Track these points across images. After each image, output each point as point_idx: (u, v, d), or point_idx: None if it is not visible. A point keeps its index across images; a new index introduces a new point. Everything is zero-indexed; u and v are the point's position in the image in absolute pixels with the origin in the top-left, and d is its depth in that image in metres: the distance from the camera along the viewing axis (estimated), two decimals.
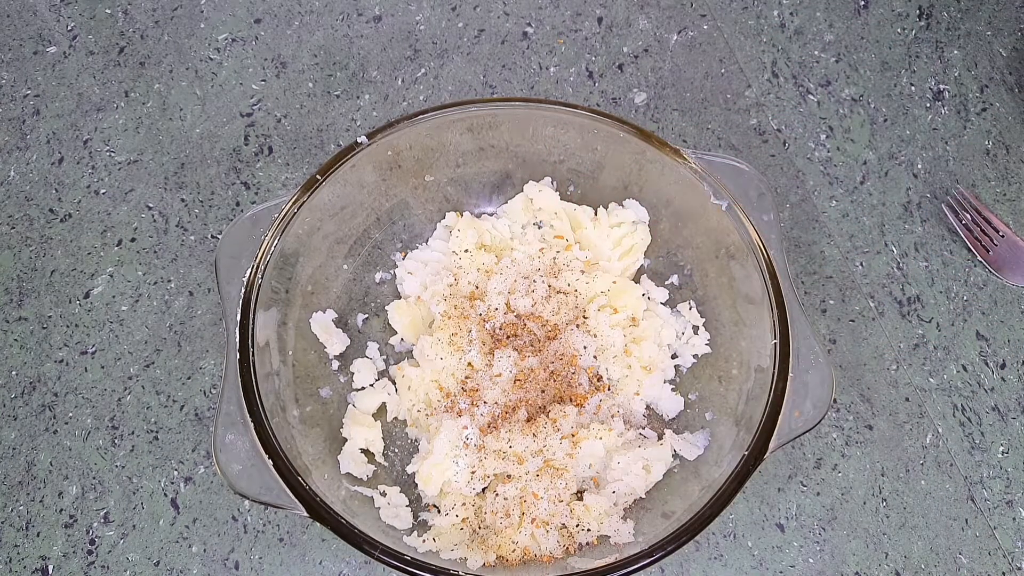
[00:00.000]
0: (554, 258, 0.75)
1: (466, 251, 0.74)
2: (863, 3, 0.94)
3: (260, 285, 0.64)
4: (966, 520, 0.70)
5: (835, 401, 0.74)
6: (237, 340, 0.62)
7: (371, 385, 0.72)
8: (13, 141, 0.86)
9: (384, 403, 0.71)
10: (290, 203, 0.67)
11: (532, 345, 0.71)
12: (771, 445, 0.59)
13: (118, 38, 0.91)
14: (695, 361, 0.73)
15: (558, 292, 0.73)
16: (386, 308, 0.74)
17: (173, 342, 0.76)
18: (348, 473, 0.66)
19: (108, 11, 0.93)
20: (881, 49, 0.92)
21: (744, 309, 0.68)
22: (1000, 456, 0.73)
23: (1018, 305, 0.79)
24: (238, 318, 0.62)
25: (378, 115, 0.87)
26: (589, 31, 0.92)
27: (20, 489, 0.71)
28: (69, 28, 0.92)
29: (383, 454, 0.69)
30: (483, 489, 0.66)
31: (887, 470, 0.72)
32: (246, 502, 0.70)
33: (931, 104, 0.88)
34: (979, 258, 0.80)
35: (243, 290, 0.63)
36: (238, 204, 0.82)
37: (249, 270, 0.64)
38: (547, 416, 0.67)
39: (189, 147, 0.85)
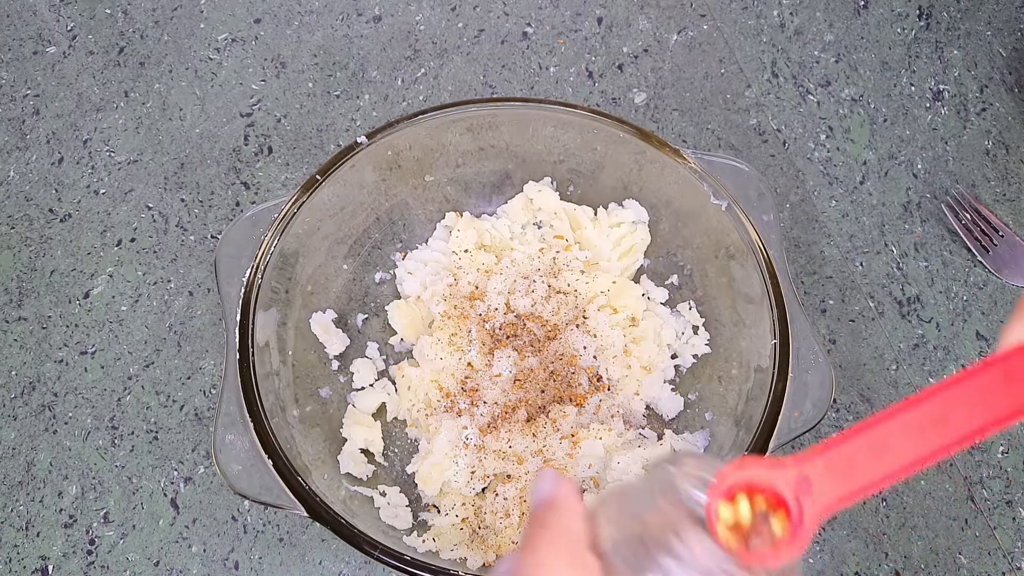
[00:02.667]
0: (554, 258, 0.75)
1: (466, 251, 0.74)
2: (863, 3, 0.94)
3: (260, 285, 0.64)
4: (966, 520, 0.70)
5: (835, 401, 0.74)
6: (237, 340, 0.62)
7: (371, 385, 0.72)
8: (13, 141, 0.86)
9: (384, 403, 0.71)
10: (290, 203, 0.67)
11: (532, 345, 0.71)
12: (771, 445, 0.59)
13: (118, 38, 0.91)
14: (695, 361, 0.73)
15: (558, 292, 0.73)
16: (386, 308, 0.74)
17: (173, 342, 0.76)
18: (348, 473, 0.66)
19: (108, 11, 0.93)
20: (881, 49, 0.92)
21: (744, 309, 0.68)
22: (1000, 456, 0.73)
23: None
24: (238, 318, 0.62)
25: (378, 115, 0.87)
26: (589, 31, 0.92)
27: (20, 489, 0.71)
28: (69, 28, 0.92)
29: (383, 454, 0.69)
30: (483, 489, 0.66)
31: None
32: (246, 502, 0.70)
33: (931, 104, 0.88)
34: (979, 258, 0.80)
35: (243, 290, 0.63)
36: (238, 204, 0.82)
37: (249, 270, 0.64)
38: (547, 416, 0.67)
39: (189, 147, 0.85)
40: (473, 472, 0.65)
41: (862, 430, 0.33)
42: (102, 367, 0.75)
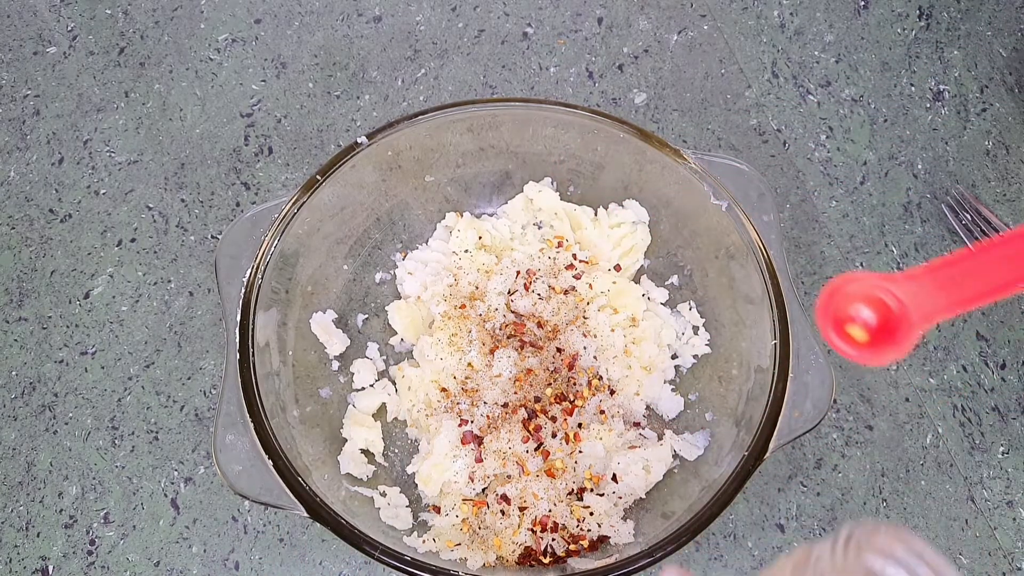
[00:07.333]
0: (554, 258, 0.75)
1: (466, 251, 0.74)
2: (863, 3, 0.94)
3: (260, 285, 0.64)
4: (966, 520, 0.70)
5: (835, 401, 0.74)
6: (237, 340, 0.62)
7: (371, 385, 0.72)
8: (13, 141, 0.86)
9: (384, 403, 0.71)
10: (290, 203, 0.67)
11: (532, 345, 0.71)
12: (771, 445, 0.59)
13: (118, 38, 0.91)
14: (695, 361, 0.73)
15: (558, 292, 0.73)
16: (386, 308, 0.74)
17: (173, 342, 0.76)
18: (348, 473, 0.66)
19: (108, 11, 0.93)
20: (881, 49, 0.92)
21: (744, 309, 0.68)
22: (1000, 456, 0.73)
23: (1018, 305, 0.79)
24: (238, 318, 0.62)
25: (378, 115, 0.87)
26: (589, 31, 0.92)
27: (20, 489, 0.71)
28: (69, 28, 0.92)
29: (383, 454, 0.69)
30: (483, 490, 0.66)
31: (887, 470, 0.72)
32: (246, 502, 0.70)
33: (931, 104, 0.88)
34: None
35: (243, 290, 0.63)
36: (238, 204, 0.82)
37: (249, 270, 0.64)
38: (547, 416, 0.67)
39: (189, 147, 0.85)
40: (473, 473, 0.65)
41: (964, 257, 0.41)
42: (102, 367, 0.75)
